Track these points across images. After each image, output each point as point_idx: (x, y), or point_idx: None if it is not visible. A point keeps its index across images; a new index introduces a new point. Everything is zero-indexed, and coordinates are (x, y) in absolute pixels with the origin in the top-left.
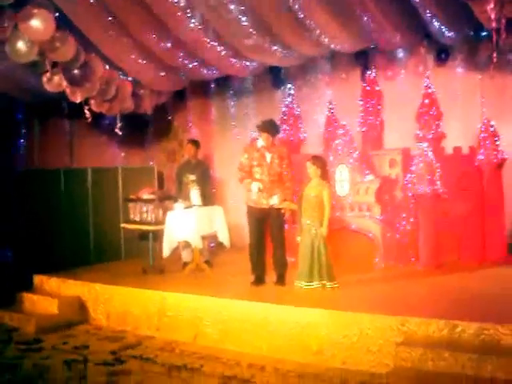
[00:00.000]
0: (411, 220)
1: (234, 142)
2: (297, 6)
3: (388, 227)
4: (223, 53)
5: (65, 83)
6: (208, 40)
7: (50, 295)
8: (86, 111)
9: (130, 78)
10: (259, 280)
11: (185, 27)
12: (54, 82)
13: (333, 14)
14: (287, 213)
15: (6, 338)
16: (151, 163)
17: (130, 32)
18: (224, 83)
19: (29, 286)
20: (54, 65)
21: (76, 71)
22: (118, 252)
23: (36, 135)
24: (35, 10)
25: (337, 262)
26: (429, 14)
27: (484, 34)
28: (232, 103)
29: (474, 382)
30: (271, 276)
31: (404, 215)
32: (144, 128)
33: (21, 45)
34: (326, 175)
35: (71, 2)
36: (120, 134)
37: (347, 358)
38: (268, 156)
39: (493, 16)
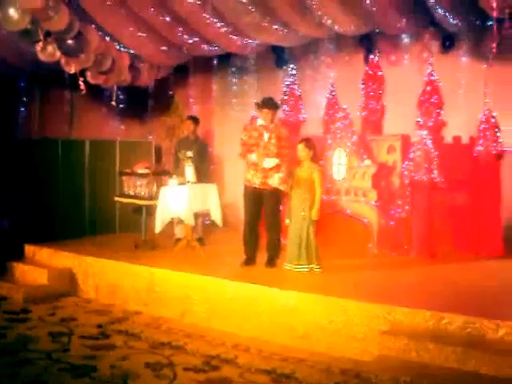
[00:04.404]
0: (406, 208)
1: (234, 119)
2: None
3: (383, 214)
4: (223, 30)
5: (58, 53)
6: (207, 16)
7: (40, 266)
8: (81, 83)
9: (128, 51)
10: (250, 261)
11: (183, 1)
12: (47, 52)
13: None
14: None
15: None
16: (150, 137)
17: (128, 4)
18: (226, 60)
19: (22, 256)
20: (48, 34)
21: (70, 41)
22: (112, 225)
23: (37, 104)
24: None
25: (330, 245)
26: (432, 0)
27: (490, 23)
28: (234, 80)
29: (457, 375)
30: (263, 257)
31: (399, 202)
32: (145, 102)
33: (12, 12)
34: (316, 158)
35: None
36: (117, 106)
37: (332, 343)
38: (266, 135)
39: (495, 5)
